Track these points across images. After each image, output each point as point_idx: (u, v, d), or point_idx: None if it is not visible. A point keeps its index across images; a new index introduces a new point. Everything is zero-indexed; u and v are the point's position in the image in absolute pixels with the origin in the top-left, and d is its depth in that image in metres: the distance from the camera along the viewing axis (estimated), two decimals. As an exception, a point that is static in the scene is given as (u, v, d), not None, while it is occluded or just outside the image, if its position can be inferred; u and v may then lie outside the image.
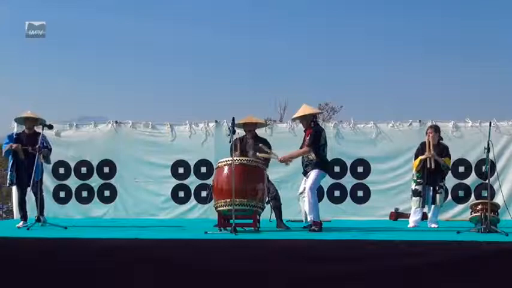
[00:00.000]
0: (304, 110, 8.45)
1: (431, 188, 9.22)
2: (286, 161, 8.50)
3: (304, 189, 8.33)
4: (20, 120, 9.82)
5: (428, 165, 9.06)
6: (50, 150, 9.35)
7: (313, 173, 8.22)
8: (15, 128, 11.85)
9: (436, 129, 9.39)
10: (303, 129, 8.55)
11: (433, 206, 9.30)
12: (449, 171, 9.82)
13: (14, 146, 9.12)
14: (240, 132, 9.14)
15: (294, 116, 8.67)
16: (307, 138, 8.32)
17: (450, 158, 9.40)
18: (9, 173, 9.30)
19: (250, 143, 8.99)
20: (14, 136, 9.37)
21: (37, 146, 8.79)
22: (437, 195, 9.22)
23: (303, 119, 8.49)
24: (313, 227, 8.09)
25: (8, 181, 9.43)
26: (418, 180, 9.25)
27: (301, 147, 8.47)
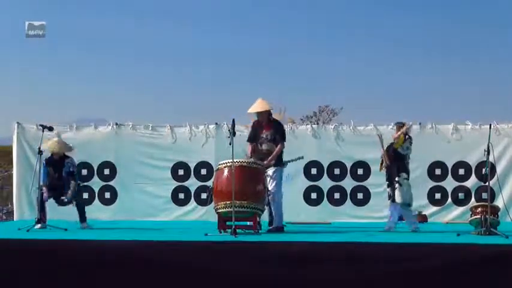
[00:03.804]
0: (263, 105, 8.64)
1: (390, 184, 8.86)
2: (269, 164, 8.53)
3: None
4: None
5: (385, 163, 8.91)
6: (73, 172, 9.39)
7: (277, 171, 8.56)
8: (16, 130, 11.89)
9: (399, 127, 8.97)
10: (264, 123, 8.64)
11: (393, 204, 8.86)
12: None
13: (45, 194, 9.19)
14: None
15: (256, 111, 8.71)
16: (271, 132, 8.57)
17: (405, 139, 8.76)
18: (43, 179, 9.30)
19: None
20: (45, 164, 9.36)
21: (68, 197, 9.19)
22: (395, 191, 8.73)
23: (264, 113, 8.64)
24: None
25: (40, 184, 9.27)
26: (387, 182, 9.00)
27: (254, 142, 8.63)
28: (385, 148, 8.91)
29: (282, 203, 8.61)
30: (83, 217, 9.43)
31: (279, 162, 8.65)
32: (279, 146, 8.58)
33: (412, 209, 9.04)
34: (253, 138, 8.73)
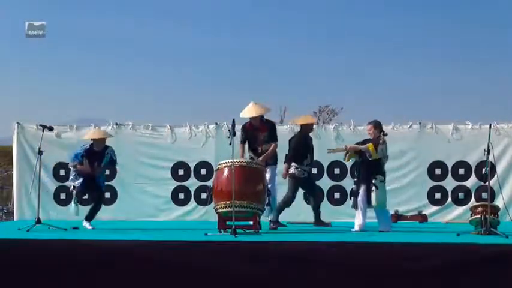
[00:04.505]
0: (257, 109, 8.87)
1: (365, 186, 8.69)
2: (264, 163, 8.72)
3: None
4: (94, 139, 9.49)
5: (345, 159, 9.00)
6: (115, 161, 9.50)
7: (272, 170, 8.88)
8: (16, 130, 11.88)
9: (375, 125, 8.89)
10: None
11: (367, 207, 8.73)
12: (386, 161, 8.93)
13: (79, 166, 9.23)
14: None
15: (250, 115, 8.90)
16: (268, 134, 8.83)
17: (376, 146, 8.59)
18: (75, 179, 9.28)
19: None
20: (83, 153, 9.26)
21: (88, 166, 9.14)
22: (372, 193, 8.61)
23: (258, 117, 8.86)
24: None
25: (72, 185, 9.31)
26: (354, 179, 8.97)
27: (257, 144, 8.85)
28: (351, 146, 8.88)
29: (276, 198, 8.97)
30: (92, 216, 9.27)
31: (274, 161, 8.94)
32: (273, 145, 8.85)
33: (387, 209, 8.92)
34: (246, 140, 8.99)
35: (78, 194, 9.30)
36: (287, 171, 9.38)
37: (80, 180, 9.22)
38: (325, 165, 11.46)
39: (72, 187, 9.33)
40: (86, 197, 9.47)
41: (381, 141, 8.66)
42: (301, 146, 9.48)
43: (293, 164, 9.36)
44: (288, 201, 9.36)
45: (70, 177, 9.43)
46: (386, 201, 8.77)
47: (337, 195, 11.48)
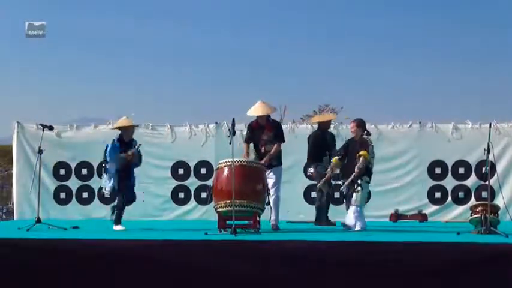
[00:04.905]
0: (264, 108, 8.74)
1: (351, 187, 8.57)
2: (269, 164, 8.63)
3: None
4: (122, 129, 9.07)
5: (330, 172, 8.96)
6: (141, 156, 9.09)
7: (277, 171, 8.71)
8: (16, 129, 11.87)
9: (358, 123, 8.83)
10: (262, 125, 8.74)
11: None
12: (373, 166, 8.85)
13: (130, 153, 8.77)
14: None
15: (258, 114, 8.77)
16: (273, 133, 8.67)
17: (368, 151, 8.50)
18: (108, 181, 8.76)
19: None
20: (117, 144, 8.84)
21: (133, 152, 8.71)
22: (354, 194, 8.50)
23: (264, 116, 8.74)
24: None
25: (106, 188, 8.81)
26: (342, 181, 8.83)
27: (260, 143, 8.68)
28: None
29: (278, 203, 8.73)
30: (120, 217, 8.89)
31: (279, 162, 8.77)
32: (276, 146, 8.70)
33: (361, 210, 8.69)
34: (251, 139, 8.86)
35: (113, 195, 8.87)
36: (311, 171, 9.47)
37: (113, 181, 8.73)
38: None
39: (108, 189, 8.80)
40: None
41: (369, 143, 8.61)
42: (319, 143, 9.52)
43: (312, 163, 9.46)
44: (326, 200, 9.42)
45: (104, 180, 8.85)
46: (364, 201, 8.73)
47: (337, 194, 11.46)
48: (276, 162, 8.72)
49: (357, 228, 8.48)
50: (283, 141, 8.86)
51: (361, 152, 8.48)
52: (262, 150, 8.73)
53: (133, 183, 9.09)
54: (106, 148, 8.87)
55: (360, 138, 8.73)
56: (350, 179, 8.48)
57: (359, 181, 8.49)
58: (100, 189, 8.95)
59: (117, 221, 8.85)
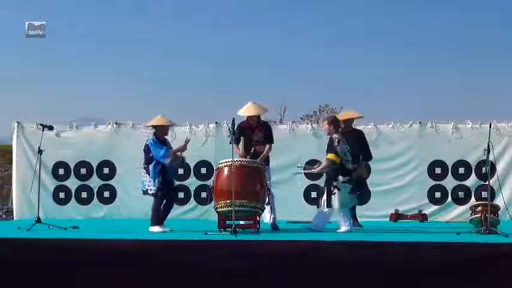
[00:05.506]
0: (256, 109, 8.77)
1: (326, 188, 8.42)
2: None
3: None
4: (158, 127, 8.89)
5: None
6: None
7: (268, 171, 8.71)
8: (15, 129, 11.87)
9: (330, 121, 8.66)
10: (255, 126, 8.78)
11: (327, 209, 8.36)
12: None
13: (180, 148, 8.68)
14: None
15: (249, 114, 8.79)
16: (262, 134, 8.72)
17: (335, 153, 8.31)
18: (153, 180, 8.61)
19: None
20: (157, 140, 8.69)
21: (179, 152, 8.65)
22: (332, 196, 8.25)
23: (255, 116, 8.79)
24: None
25: (152, 188, 8.60)
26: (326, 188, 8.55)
27: (247, 145, 8.65)
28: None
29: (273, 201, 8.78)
30: (166, 217, 8.67)
31: (267, 162, 8.85)
32: (267, 147, 8.76)
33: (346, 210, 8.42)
34: (238, 140, 8.76)
35: (160, 195, 8.59)
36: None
37: (157, 181, 8.55)
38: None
39: (154, 191, 8.59)
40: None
41: (335, 144, 8.36)
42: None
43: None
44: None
45: (146, 182, 8.70)
46: (348, 201, 8.38)
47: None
48: (264, 162, 8.72)
49: (342, 230, 8.22)
50: (273, 142, 8.91)
51: (328, 156, 8.37)
52: (251, 151, 8.71)
53: (173, 182, 9.01)
54: (148, 148, 8.70)
55: (332, 138, 8.49)
56: (311, 170, 8.80)
57: (334, 183, 8.24)
58: (145, 191, 8.67)
59: (155, 222, 8.51)
